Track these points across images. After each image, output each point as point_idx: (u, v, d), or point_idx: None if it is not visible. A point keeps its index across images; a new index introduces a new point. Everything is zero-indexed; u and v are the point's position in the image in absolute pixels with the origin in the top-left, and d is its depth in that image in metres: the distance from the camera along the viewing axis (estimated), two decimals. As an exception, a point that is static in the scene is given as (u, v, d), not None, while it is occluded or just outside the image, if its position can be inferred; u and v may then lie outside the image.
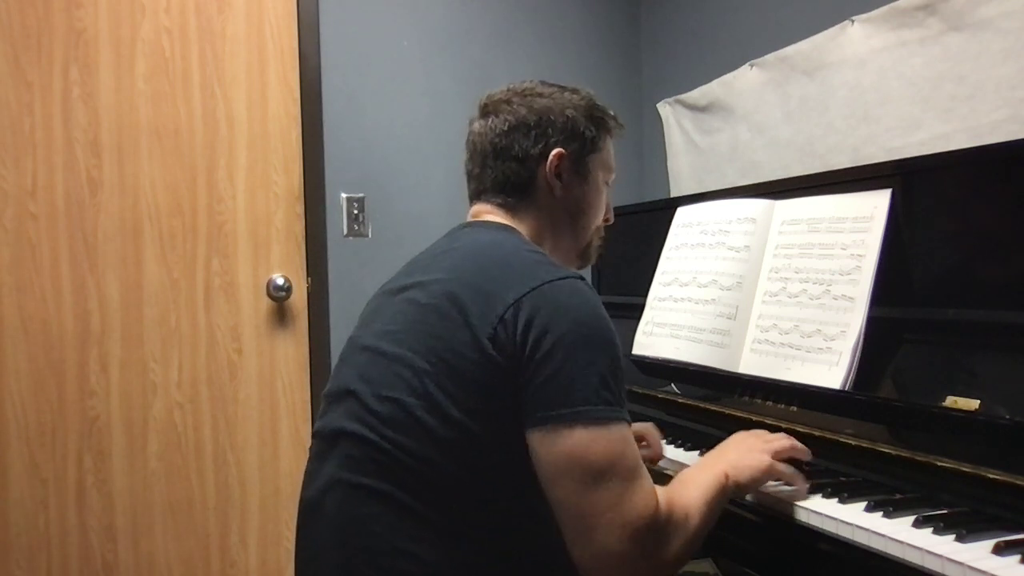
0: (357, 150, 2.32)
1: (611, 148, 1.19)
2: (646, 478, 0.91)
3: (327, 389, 1.10)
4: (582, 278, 0.99)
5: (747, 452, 1.08)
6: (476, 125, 1.16)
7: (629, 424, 0.92)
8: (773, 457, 1.08)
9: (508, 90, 1.16)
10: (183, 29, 2.13)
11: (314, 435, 1.08)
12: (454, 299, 0.96)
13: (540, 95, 1.14)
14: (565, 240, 1.16)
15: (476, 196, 1.16)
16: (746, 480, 1.04)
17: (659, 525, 0.89)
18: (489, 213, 1.13)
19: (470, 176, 1.17)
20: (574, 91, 1.16)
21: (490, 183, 1.13)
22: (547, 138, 1.11)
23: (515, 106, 1.12)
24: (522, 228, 1.11)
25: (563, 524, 0.90)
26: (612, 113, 1.19)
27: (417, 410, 0.93)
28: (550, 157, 1.10)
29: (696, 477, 1.01)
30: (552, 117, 1.11)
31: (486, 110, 1.15)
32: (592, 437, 0.88)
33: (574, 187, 1.14)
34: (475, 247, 1.05)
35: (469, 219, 1.16)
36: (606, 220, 1.22)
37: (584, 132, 1.13)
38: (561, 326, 0.91)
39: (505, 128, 1.12)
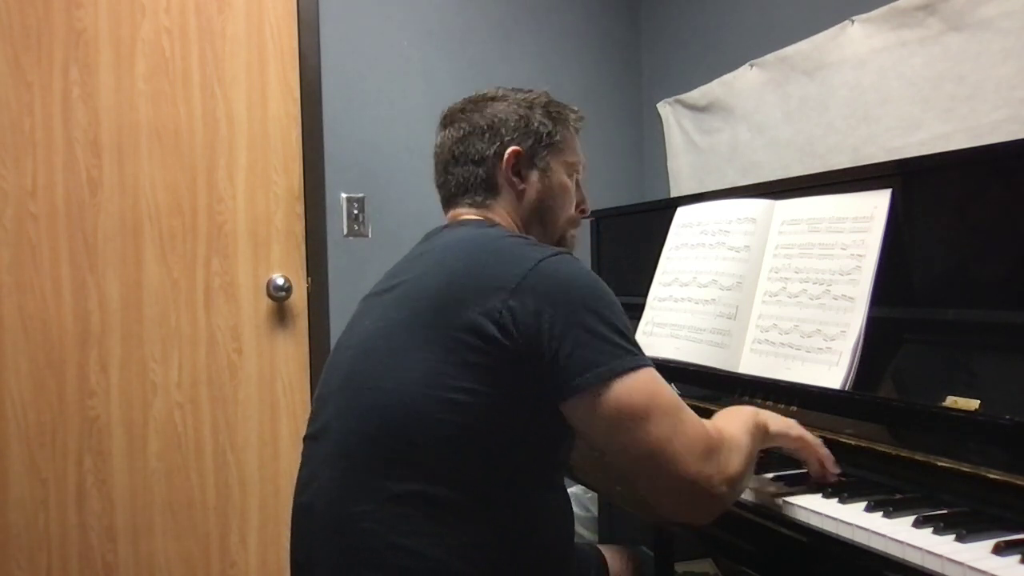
0: (357, 150, 2.32)
1: (573, 140, 1.21)
2: (689, 409, 0.95)
3: (318, 390, 1.10)
4: (569, 253, 1.02)
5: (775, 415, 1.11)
6: (437, 138, 1.20)
7: (652, 365, 0.96)
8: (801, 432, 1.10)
9: (466, 100, 1.20)
10: (183, 29, 2.13)
11: (304, 440, 1.08)
12: (451, 292, 0.97)
13: (493, 99, 1.18)
14: (535, 235, 1.16)
15: (447, 203, 1.19)
16: (775, 427, 1.07)
17: (718, 441, 0.94)
18: (463, 214, 1.16)
19: (438, 186, 1.20)
20: (529, 91, 1.20)
21: (454, 187, 1.16)
22: (501, 138, 1.14)
23: (468, 114, 1.17)
24: (497, 221, 1.13)
25: (632, 471, 0.94)
26: (570, 106, 1.22)
27: (418, 397, 0.94)
28: (505, 155, 1.13)
29: (728, 414, 1.05)
30: (504, 117, 1.15)
31: (445, 122, 1.20)
32: (629, 385, 0.92)
33: (535, 182, 1.16)
34: (458, 241, 1.06)
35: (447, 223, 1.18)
36: (582, 211, 1.24)
37: (538, 128, 1.15)
38: (569, 300, 0.94)
39: (460, 135, 1.16)
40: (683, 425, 0.92)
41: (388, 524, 0.92)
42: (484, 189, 1.14)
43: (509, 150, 1.13)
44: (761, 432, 1.04)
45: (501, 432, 0.94)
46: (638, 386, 0.92)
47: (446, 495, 0.93)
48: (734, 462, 0.94)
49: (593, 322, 0.94)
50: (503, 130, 1.14)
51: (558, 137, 1.17)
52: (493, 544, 0.95)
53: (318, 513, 0.99)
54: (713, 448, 0.93)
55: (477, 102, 1.18)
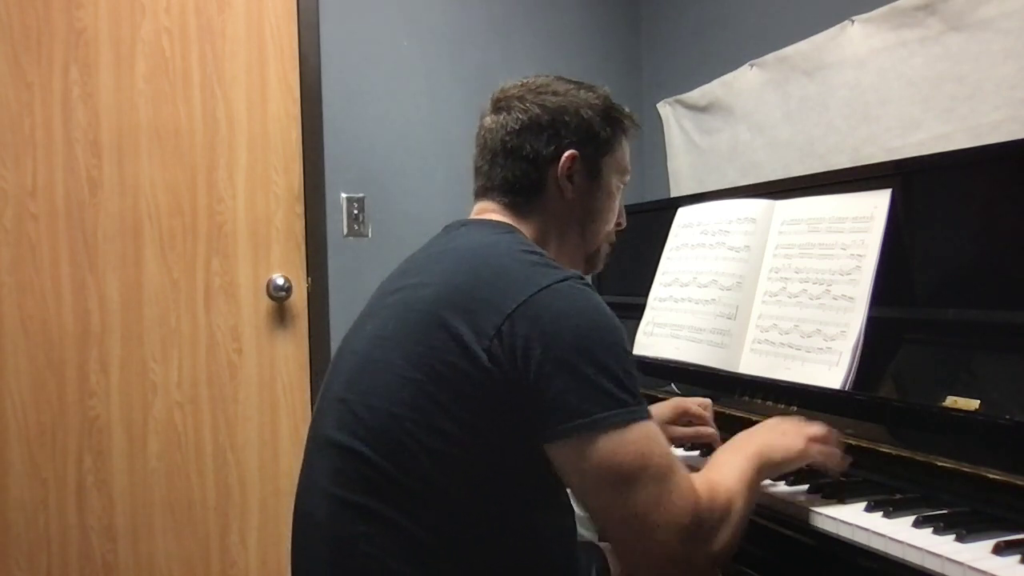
0: (357, 150, 2.32)
1: (626, 149, 1.15)
2: (682, 470, 0.90)
3: (321, 388, 1.07)
4: (581, 277, 0.95)
5: (780, 435, 1.07)
6: (488, 120, 1.12)
7: (650, 418, 0.90)
8: (808, 441, 1.06)
9: (522, 85, 1.12)
10: (183, 29, 2.13)
11: (308, 436, 1.05)
12: (446, 308, 0.92)
13: (555, 92, 1.10)
14: (571, 245, 1.12)
15: (482, 193, 1.12)
16: (779, 459, 1.03)
17: (705, 514, 0.88)
18: (493, 212, 1.09)
19: (478, 171, 1.13)
20: (590, 89, 1.13)
21: (499, 181, 1.09)
22: (560, 139, 1.07)
23: (528, 103, 1.09)
24: (525, 230, 1.07)
25: (609, 532, 0.90)
26: (628, 112, 1.16)
27: (407, 423, 0.90)
28: (562, 159, 1.07)
29: (730, 460, 1.00)
30: (566, 117, 1.08)
31: (499, 105, 1.11)
32: (617, 442, 0.86)
33: (585, 190, 1.10)
34: (470, 249, 1.01)
35: (472, 216, 1.12)
36: (618, 225, 1.18)
37: (599, 133, 1.10)
38: (564, 337, 0.88)
39: (517, 127, 1.08)
40: (671, 494, 0.86)
41: (386, 549, 0.89)
42: (528, 191, 1.08)
43: (567, 153, 1.07)
44: (764, 472, 1.01)
45: (493, 461, 0.90)
46: (627, 444, 0.86)
47: (448, 525, 0.90)
48: (721, 537, 0.89)
49: (585, 365, 0.87)
50: (563, 130, 1.07)
51: (616, 144, 1.13)
52: (494, 570, 0.92)
53: (318, 526, 0.96)
54: (702, 521, 0.88)
55: (538, 92, 1.10)
